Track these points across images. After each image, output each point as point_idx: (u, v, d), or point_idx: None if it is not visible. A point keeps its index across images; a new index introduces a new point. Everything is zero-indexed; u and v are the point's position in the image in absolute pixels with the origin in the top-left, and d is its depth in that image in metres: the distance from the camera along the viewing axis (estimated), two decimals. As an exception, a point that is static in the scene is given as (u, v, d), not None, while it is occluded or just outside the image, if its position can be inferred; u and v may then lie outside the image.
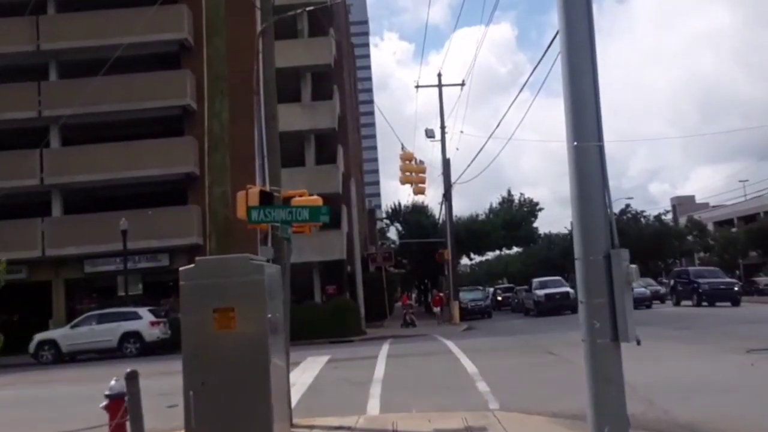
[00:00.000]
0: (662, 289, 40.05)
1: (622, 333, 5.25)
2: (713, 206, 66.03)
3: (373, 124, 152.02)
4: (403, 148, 27.46)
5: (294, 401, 10.53)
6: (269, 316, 6.38)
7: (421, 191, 27.84)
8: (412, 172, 26.92)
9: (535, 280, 37.58)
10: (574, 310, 31.30)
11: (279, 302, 7.16)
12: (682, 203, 65.56)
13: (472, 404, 9.69)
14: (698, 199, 77.56)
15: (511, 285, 53.99)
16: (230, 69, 8.99)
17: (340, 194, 32.33)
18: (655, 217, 54.13)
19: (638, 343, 5.26)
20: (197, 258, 6.78)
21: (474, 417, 8.60)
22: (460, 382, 11.78)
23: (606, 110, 5.49)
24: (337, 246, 31.50)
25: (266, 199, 9.25)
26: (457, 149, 54.06)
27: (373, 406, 10.15)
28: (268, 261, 7.70)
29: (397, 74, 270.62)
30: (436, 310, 34.97)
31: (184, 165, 31.16)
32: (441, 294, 36.68)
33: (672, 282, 35.82)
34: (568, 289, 35.07)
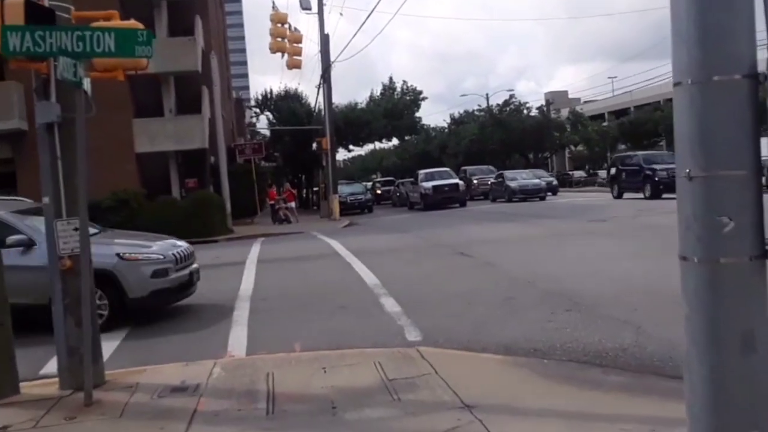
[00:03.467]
0: (554, 181, 40.38)
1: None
2: (584, 101, 66.30)
3: (240, 12, 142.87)
4: (274, 6, 22.90)
5: (117, 341, 7.17)
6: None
7: (297, 65, 23.64)
8: (284, 38, 22.57)
9: (422, 172, 34.37)
10: (462, 203, 31.09)
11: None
12: (556, 98, 65.17)
13: (382, 335, 6.72)
14: (570, 95, 78.08)
15: (391, 178, 51.28)
16: None
17: (199, 73, 27.57)
18: (538, 108, 52.90)
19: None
20: None
21: (391, 359, 5.60)
22: (358, 299, 8.78)
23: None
24: (197, 133, 27.09)
25: (39, 15, 5.36)
26: (341, 14, 48.62)
27: (238, 342, 6.94)
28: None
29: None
30: (290, 205, 30.12)
31: None
32: (292, 189, 33.02)
33: (614, 171, 29.64)
34: (456, 180, 32.56)
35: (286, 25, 22.49)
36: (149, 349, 6.95)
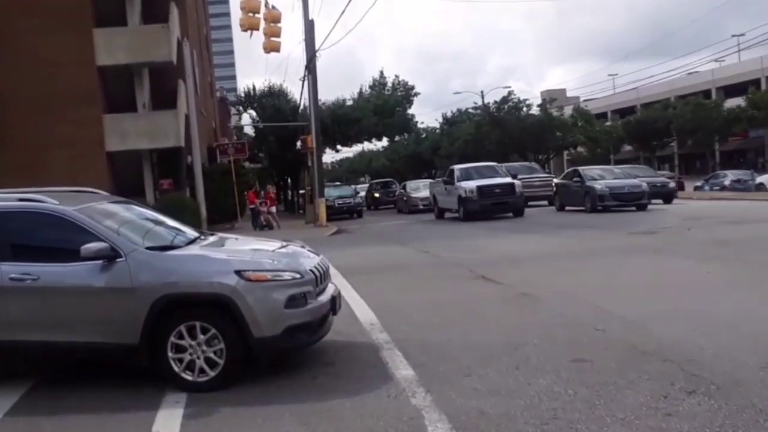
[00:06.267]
0: (671, 183, 28.41)
1: None
2: (585, 100, 63.72)
3: (227, 14, 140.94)
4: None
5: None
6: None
7: (275, 47, 20.80)
8: (257, 13, 19.58)
9: (458, 168, 25.25)
10: (518, 211, 23.02)
11: None
12: (553, 96, 62.61)
13: (390, 428, 4.21)
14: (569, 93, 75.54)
15: (390, 180, 47.10)
16: None
17: (175, 65, 24.99)
18: (538, 106, 50.07)
19: None
20: None
21: None
22: (350, 352, 6.26)
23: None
24: (173, 130, 24.54)
25: None
26: None
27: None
28: None
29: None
30: (272, 210, 27.15)
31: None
32: (273, 192, 30.09)
33: None
34: (510, 179, 23.57)
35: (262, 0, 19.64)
36: None
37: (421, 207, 31.21)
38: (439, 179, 29.20)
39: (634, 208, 21.96)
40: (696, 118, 48.40)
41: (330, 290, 6.04)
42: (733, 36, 60.54)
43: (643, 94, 62.85)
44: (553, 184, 27.28)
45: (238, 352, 5.32)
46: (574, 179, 24.14)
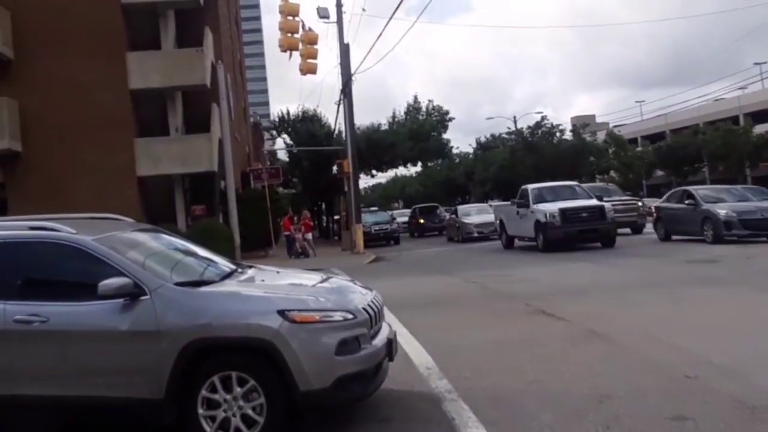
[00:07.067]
0: None
1: None
2: (614, 125, 63.24)
3: (260, 42, 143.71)
4: (285, -3, 19.50)
5: None
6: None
7: (312, 69, 20.34)
8: (296, 33, 19.20)
9: (532, 188, 21.46)
10: (609, 240, 19.38)
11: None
12: (583, 122, 61.97)
13: None
14: (598, 119, 74.80)
15: (435, 204, 44.67)
16: None
17: (209, 89, 24.68)
18: (571, 131, 49.13)
19: None
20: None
21: None
22: (408, 403, 5.42)
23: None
24: (205, 154, 24.13)
25: None
26: (364, 10, 44.80)
27: None
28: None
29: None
30: (307, 237, 26.34)
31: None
32: (309, 218, 28.44)
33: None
34: (596, 201, 20.09)
35: (299, 20, 19.26)
36: None
37: (476, 234, 28.77)
38: (508, 202, 25.06)
39: (765, 239, 17.86)
40: (726, 144, 47.75)
41: (385, 332, 5.22)
42: (756, 64, 59.63)
43: (672, 120, 62.81)
44: (652, 208, 24.13)
45: (281, 408, 4.47)
46: (686, 202, 19.94)
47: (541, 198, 20.54)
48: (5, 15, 22.52)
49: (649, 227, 23.71)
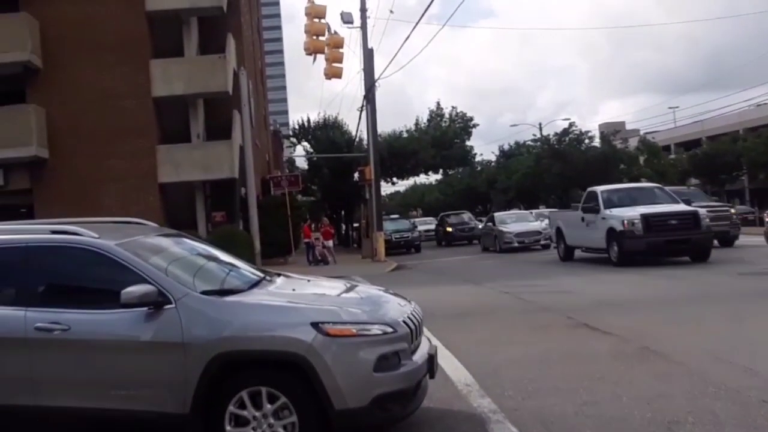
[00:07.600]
0: None
1: None
2: (646, 132, 61.80)
3: (281, 51, 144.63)
4: (310, -1, 19.07)
5: None
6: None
7: (337, 73, 20.05)
8: (322, 35, 18.90)
9: (601, 190, 18.53)
10: (703, 252, 16.36)
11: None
12: (613, 129, 60.83)
13: None
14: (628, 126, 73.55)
15: (462, 211, 42.77)
16: None
17: (230, 95, 24.49)
18: (600, 138, 48.22)
19: None
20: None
21: None
22: (446, 424, 4.97)
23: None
24: (226, 161, 23.88)
25: None
26: (392, 11, 44.22)
27: None
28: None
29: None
30: (328, 244, 25.88)
31: (19, 51, 22.49)
32: (329, 225, 27.77)
33: None
34: (687, 207, 17.04)
35: (325, 23, 18.93)
36: None
37: (516, 245, 26.39)
38: (575, 207, 20.88)
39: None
40: (769, 151, 46.21)
41: (425, 346, 4.82)
42: (794, 69, 58.26)
43: (709, 127, 61.01)
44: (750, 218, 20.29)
45: (315, 427, 4.11)
46: None
47: (614, 202, 17.73)
48: (34, 24, 22.55)
49: (749, 239, 20.84)
